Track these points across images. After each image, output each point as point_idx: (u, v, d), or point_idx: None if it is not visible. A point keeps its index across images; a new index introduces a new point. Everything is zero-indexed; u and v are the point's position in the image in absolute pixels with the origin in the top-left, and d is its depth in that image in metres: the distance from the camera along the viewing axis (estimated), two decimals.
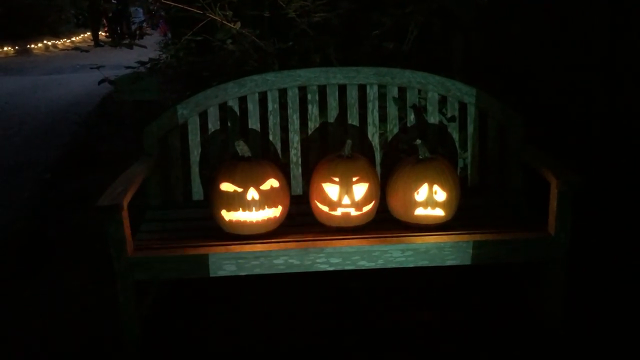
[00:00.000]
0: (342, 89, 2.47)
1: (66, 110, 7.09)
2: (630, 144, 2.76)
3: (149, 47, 4.30)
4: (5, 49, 15.63)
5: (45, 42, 17.15)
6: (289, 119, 2.46)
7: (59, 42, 17.88)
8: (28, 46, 16.28)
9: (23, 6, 16.52)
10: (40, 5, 16.92)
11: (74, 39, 19.45)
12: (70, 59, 12.71)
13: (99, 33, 17.84)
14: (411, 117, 2.48)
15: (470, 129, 2.47)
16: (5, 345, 2.23)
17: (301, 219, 2.26)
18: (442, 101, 2.48)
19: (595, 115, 2.92)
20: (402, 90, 2.48)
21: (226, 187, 2.09)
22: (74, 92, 8.50)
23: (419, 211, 2.12)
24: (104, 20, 17.08)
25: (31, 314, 2.44)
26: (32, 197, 3.96)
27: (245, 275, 2.03)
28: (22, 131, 6.05)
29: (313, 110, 2.47)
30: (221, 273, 2.01)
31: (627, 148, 2.79)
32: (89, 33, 19.89)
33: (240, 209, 2.07)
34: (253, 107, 2.45)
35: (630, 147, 2.77)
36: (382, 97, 2.48)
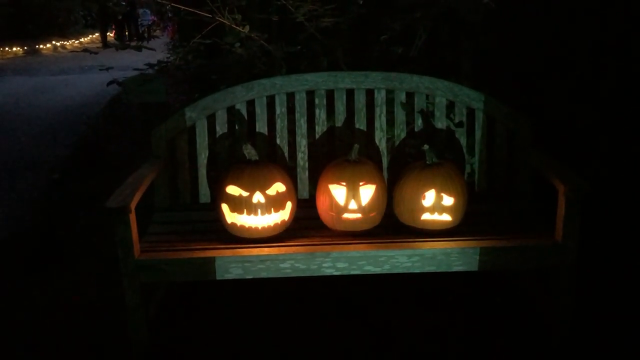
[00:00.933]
0: (350, 93, 2.47)
1: (74, 110, 7.14)
2: None
3: (157, 49, 4.32)
4: (15, 49, 15.74)
5: (53, 42, 17.27)
6: (297, 123, 2.47)
7: (68, 43, 17.99)
8: (37, 46, 16.40)
9: (33, 6, 16.65)
10: (50, 6, 17.05)
11: (82, 40, 19.57)
12: (79, 59, 12.78)
13: (107, 34, 17.93)
14: (419, 122, 2.48)
15: (478, 134, 2.46)
16: (12, 344, 2.25)
17: (308, 223, 2.26)
18: (450, 106, 2.48)
19: (607, 120, 2.91)
20: (410, 95, 2.48)
21: (233, 190, 2.10)
22: (82, 93, 8.55)
23: (426, 216, 2.12)
24: (112, 23, 17.17)
25: (38, 313, 2.45)
26: (40, 196, 3.99)
27: (252, 278, 2.03)
28: (31, 131, 6.08)
29: (321, 114, 2.47)
30: (228, 276, 2.01)
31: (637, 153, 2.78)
32: (97, 34, 20.01)
33: (247, 212, 2.08)
34: (261, 111, 2.46)
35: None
36: (390, 101, 2.49)
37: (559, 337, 2.11)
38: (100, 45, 16.67)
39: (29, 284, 2.70)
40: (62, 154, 5.08)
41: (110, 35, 18.44)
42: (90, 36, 20.53)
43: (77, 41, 18.94)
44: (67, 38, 18.59)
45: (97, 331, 2.29)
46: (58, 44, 17.44)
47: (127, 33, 17.46)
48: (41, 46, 16.58)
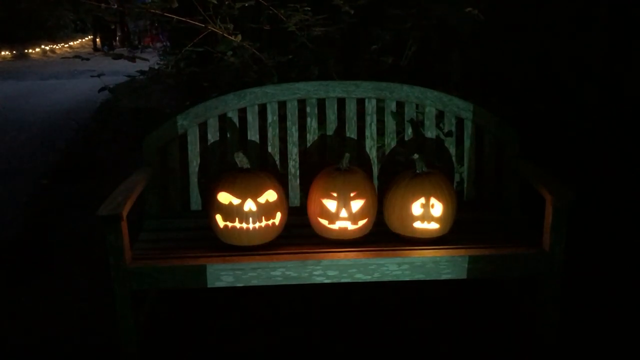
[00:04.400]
0: (341, 102, 2.50)
1: (64, 116, 7.10)
2: (627, 155, 2.80)
3: (148, 54, 4.33)
4: (3, 53, 15.63)
5: (42, 46, 17.16)
6: (288, 131, 2.49)
7: (57, 47, 17.89)
8: (25, 50, 16.28)
9: (22, 10, 16.55)
10: (39, 10, 16.95)
11: (71, 44, 19.47)
12: (68, 64, 12.68)
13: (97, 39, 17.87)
14: (409, 131, 2.51)
15: (467, 143, 2.50)
16: (1, 351, 2.23)
17: (298, 231, 2.28)
18: (440, 116, 2.51)
19: (594, 128, 2.96)
20: (400, 105, 2.51)
21: (224, 198, 2.11)
22: (72, 98, 8.51)
23: (416, 225, 2.14)
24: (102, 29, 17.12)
25: (27, 320, 2.44)
26: (28, 202, 3.96)
27: (243, 285, 2.04)
28: (19, 136, 6.05)
29: (312, 123, 2.49)
30: (218, 284, 2.02)
31: (623, 160, 2.83)
32: (87, 38, 19.93)
33: (238, 220, 2.09)
34: (252, 119, 2.48)
35: (627, 159, 2.82)
36: (380, 111, 2.51)
37: (547, 345, 2.14)
38: (90, 50, 16.60)
39: (18, 290, 2.69)
40: (52, 160, 5.05)
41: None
42: (80, 40, 20.43)
43: (66, 45, 18.84)
44: (56, 42, 18.48)
45: (86, 338, 2.29)
46: (47, 48, 17.33)
47: (117, 38, 17.42)
48: (30, 50, 16.47)
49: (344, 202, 2.12)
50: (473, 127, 2.49)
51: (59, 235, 3.32)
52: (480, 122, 2.47)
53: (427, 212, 2.12)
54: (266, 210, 2.11)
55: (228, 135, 2.49)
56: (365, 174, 2.27)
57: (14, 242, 3.28)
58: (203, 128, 2.47)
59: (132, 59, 2.86)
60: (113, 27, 16.12)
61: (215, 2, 2.82)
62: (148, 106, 4.61)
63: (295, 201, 2.49)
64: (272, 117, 2.48)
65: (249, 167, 2.20)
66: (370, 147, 2.51)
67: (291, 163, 2.49)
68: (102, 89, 3.31)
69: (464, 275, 2.06)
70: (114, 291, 1.99)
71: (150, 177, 2.36)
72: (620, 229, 2.84)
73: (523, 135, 2.47)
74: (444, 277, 2.06)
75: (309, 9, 2.90)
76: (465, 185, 2.52)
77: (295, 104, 2.49)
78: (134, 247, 2.15)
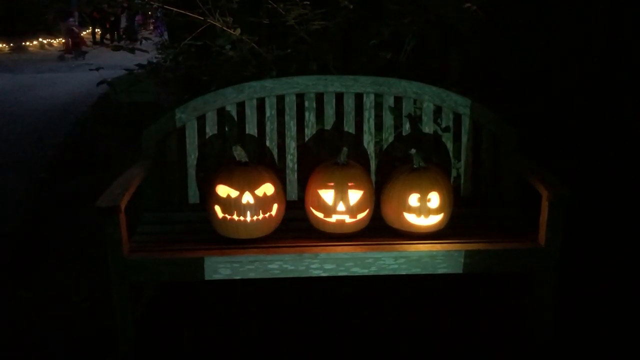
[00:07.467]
0: (339, 97, 2.51)
1: (61, 109, 7.09)
2: (624, 153, 2.81)
3: (146, 46, 4.32)
4: (0, 45, 15.58)
5: (40, 40, 17.10)
6: (286, 125, 2.49)
7: (55, 41, 17.83)
8: (23, 43, 16.23)
9: (21, 3, 16.49)
10: (38, 4, 16.89)
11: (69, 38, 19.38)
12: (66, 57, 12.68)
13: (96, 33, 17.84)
14: (406, 127, 2.52)
15: (464, 139, 2.51)
16: None
17: (296, 225, 2.29)
18: (437, 111, 2.52)
19: (591, 124, 2.97)
20: (398, 100, 2.52)
21: (222, 191, 2.12)
22: (70, 91, 8.50)
23: (412, 219, 2.15)
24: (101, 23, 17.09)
25: (25, 313, 2.44)
26: (26, 196, 3.96)
27: (240, 278, 2.05)
28: (17, 129, 6.04)
29: (310, 117, 2.50)
30: (216, 276, 2.03)
31: (620, 157, 2.85)
32: (85, 32, 19.83)
33: (236, 213, 2.10)
34: (251, 113, 2.48)
35: (624, 156, 2.83)
36: (378, 106, 2.52)
37: (541, 340, 2.15)
38: (89, 44, 16.55)
39: (15, 283, 2.69)
40: (50, 153, 5.05)
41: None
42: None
43: (64, 39, 18.76)
44: (55, 36, 18.42)
45: (84, 331, 2.29)
46: (45, 41, 17.27)
47: (115, 32, 17.38)
48: (27, 43, 16.42)
49: (342, 195, 2.13)
50: (470, 123, 2.50)
51: (57, 228, 3.32)
52: (478, 118, 2.48)
53: (424, 207, 2.13)
54: (264, 203, 2.12)
55: (226, 129, 2.49)
56: (363, 169, 2.28)
57: (12, 235, 3.28)
58: (201, 121, 2.47)
59: (132, 51, 2.86)
60: (113, 19, 16.09)
61: None
62: (146, 100, 4.61)
63: (293, 195, 2.50)
64: (270, 111, 2.48)
65: (247, 160, 2.21)
66: (368, 142, 2.51)
67: (289, 157, 2.50)
68: (100, 82, 3.31)
69: (459, 270, 2.07)
70: (112, 283, 2.00)
71: (149, 170, 2.36)
72: (617, 225, 2.86)
73: (520, 132, 2.48)
74: (440, 271, 2.07)
75: (308, 3, 2.90)
76: (462, 181, 2.53)
77: (294, 98, 2.49)
78: (132, 239, 2.16)
